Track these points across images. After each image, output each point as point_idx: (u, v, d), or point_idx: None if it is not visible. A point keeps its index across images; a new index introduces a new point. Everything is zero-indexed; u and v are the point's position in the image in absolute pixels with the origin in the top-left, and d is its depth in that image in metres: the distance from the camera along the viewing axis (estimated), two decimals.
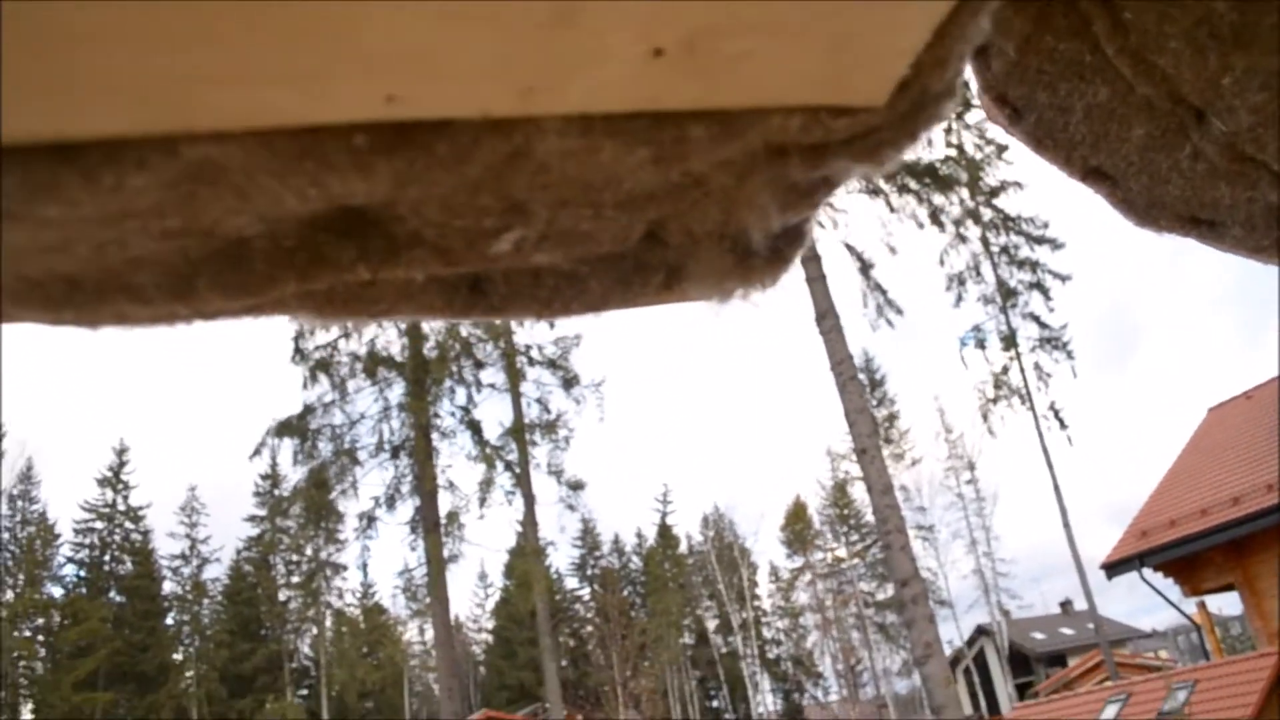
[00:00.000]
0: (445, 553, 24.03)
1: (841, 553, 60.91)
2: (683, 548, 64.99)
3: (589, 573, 65.09)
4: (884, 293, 23.42)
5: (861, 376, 50.05)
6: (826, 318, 19.29)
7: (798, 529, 62.38)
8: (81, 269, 0.55)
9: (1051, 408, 33.91)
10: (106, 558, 53.10)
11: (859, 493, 58.11)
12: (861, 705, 55.72)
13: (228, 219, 0.53)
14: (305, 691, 54.98)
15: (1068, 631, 48.63)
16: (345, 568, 52.05)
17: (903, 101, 0.58)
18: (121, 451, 55.10)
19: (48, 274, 0.55)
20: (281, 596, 54.93)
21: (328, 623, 53.87)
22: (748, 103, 0.55)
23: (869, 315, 23.71)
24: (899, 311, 23.49)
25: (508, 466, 25.89)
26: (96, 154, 0.47)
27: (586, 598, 64.07)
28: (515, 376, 26.70)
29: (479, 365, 26.13)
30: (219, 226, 0.54)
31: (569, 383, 27.06)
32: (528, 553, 28.30)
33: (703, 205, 0.63)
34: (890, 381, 60.71)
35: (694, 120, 0.55)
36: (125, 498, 54.69)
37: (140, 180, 0.48)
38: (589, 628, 60.85)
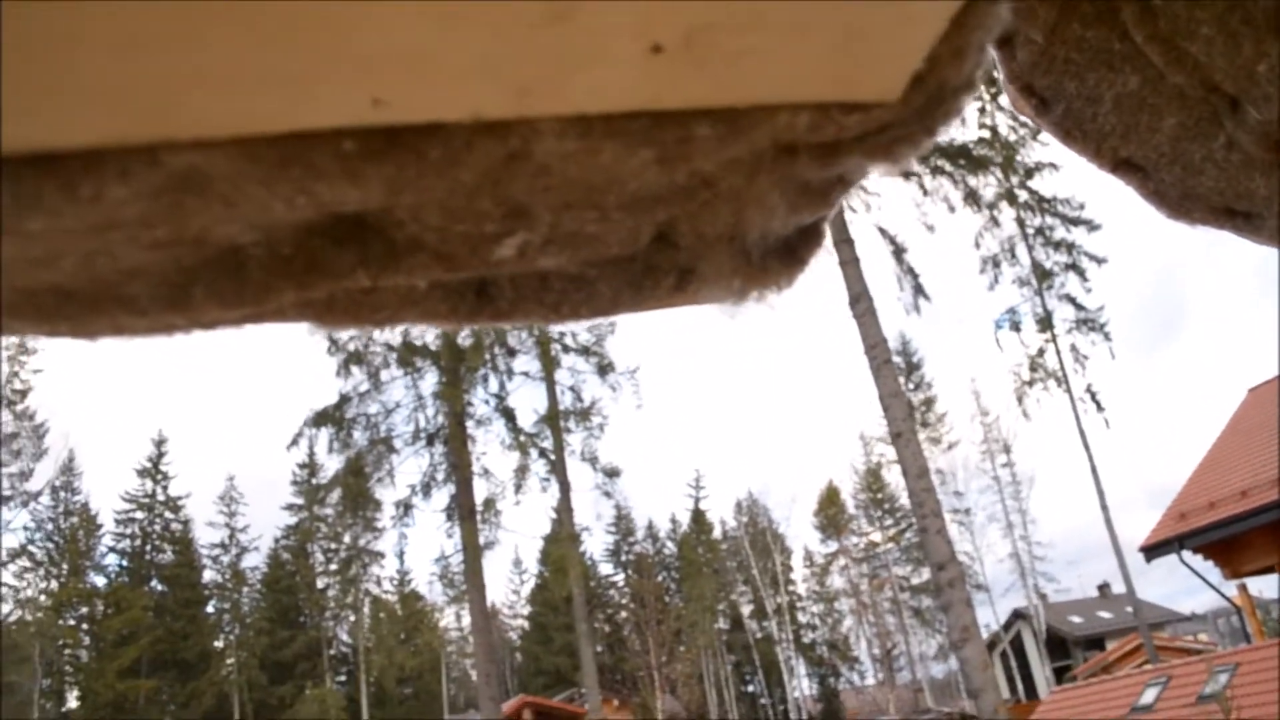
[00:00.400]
0: (481, 539, 24.18)
1: (876, 537, 60.76)
2: (716, 533, 65.06)
3: (623, 558, 65.28)
4: (915, 277, 23.28)
5: (898, 360, 49.82)
6: (860, 301, 19.19)
7: (831, 513, 62.24)
8: (72, 281, 0.54)
9: (1088, 390, 33.60)
10: (147, 547, 53.85)
11: (893, 476, 57.98)
12: (898, 690, 55.61)
13: (218, 228, 0.52)
14: (344, 678, 55.59)
15: (1106, 615, 48.25)
16: (382, 555, 52.40)
17: (918, 96, 0.56)
18: (160, 443, 55.85)
19: (39, 286, 0.54)
20: (320, 584, 55.52)
21: (365, 610, 54.38)
22: (753, 100, 0.53)
23: (904, 299, 23.58)
24: (927, 298, 23.34)
25: (542, 453, 26.00)
26: (76, 164, 0.46)
27: (621, 583, 64.29)
28: (550, 364, 26.77)
29: (511, 353, 26.23)
30: (210, 235, 0.53)
31: (604, 370, 27.11)
32: (563, 539, 28.43)
33: (713, 206, 0.61)
34: (927, 365, 60.20)
35: (698, 119, 0.53)
36: (165, 488, 55.43)
37: (122, 191, 0.47)
38: (624, 613, 61.08)
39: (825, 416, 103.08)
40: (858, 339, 19.22)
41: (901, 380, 24.92)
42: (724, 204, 0.61)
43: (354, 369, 24.91)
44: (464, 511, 24.12)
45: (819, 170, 0.61)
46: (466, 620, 59.54)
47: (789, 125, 0.55)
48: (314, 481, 50.48)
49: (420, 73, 0.46)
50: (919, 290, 23.33)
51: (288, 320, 0.62)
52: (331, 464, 27.01)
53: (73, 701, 46.42)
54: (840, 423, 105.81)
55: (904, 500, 54.43)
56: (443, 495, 25.18)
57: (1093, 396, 33.51)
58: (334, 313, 0.62)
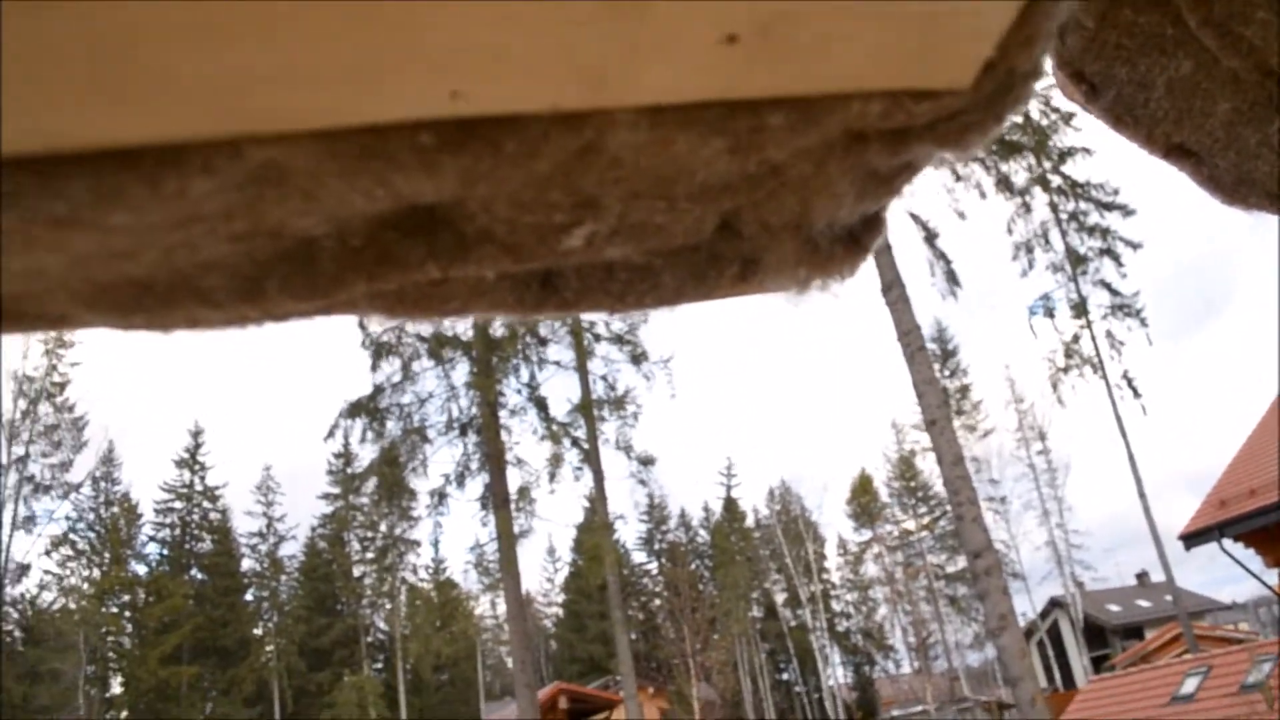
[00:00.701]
0: (516, 528, 24.27)
1: (910, 525, 60.49)
2: (749, 521, 65.02)
3: (656, 547, 65.38)
4: (948, 262, 23.10)
5: (932, 347, 49.48)
6: (892, 289, 19.06)
7: (864, 501, 62.02)
8: (150, 273, 0.54)
9: (1124, 376, 33.27)
10: (187, 536, 54.51)
11: (926, 464, 57.68)
12: (934, 678, 55.41)
13: (295, 220, 0.53)
14: (381, 665, 56.07)
15: (1144, 604, 47.81)
16: (418, 544, 52.82)
17: (988, 83, 0.56)
18: (197, 433, 56.43)
19: (118, 279, 0.55)
20: (356, 572, 55.98)
21: (402, 597, 54.82)
22: (826, 89, 0.53)
23: (937, 285, 23.41)
24: (959, 284, 23.16)
25: (574, 443, 26.06)
26: (160, 159, 0.47)
27: (654, 571, 64.39)
28: (583, 353, 26.81)
29: (543, 342, 26.28)
30: (286, 228, 0.53)
31: (637, 359, 27.11)
32: (598, 527, 28.49)
33: (779, 195, 0.61)
34: (963, 352, 59.62)
35: (771, 108, 0.53)
36: (202, 478, 56.05)
37: (205, 185, 0.47)
38: (658, 601, 61.19)
39: (856, 404, 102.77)
40: (890, 326, 19.11)
41: (936, 367, 24.78)
42: (790, 192, 0.61)
43: (387, 360, 25.07)
44: (498, 500, 24.22)
45: (888, 158, 0.61)
46: (501, 608, 60.03)
47: (861, 114, 0.55)
48: (349, 471, 50.89)
49: (498, 65, 0.46)
50: (951, 276, 23.16)
51: (358, 312, 0.63)
52: (366, 454, 27.22)
53: (116, 688, 47.08)
54: (872, 410, 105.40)
55: (938, 488, 54.17)
56: (477, 484, 25.32)
57: (1129, 383, 33.19)
58: (404, 304, 0.63)
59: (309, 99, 0.46)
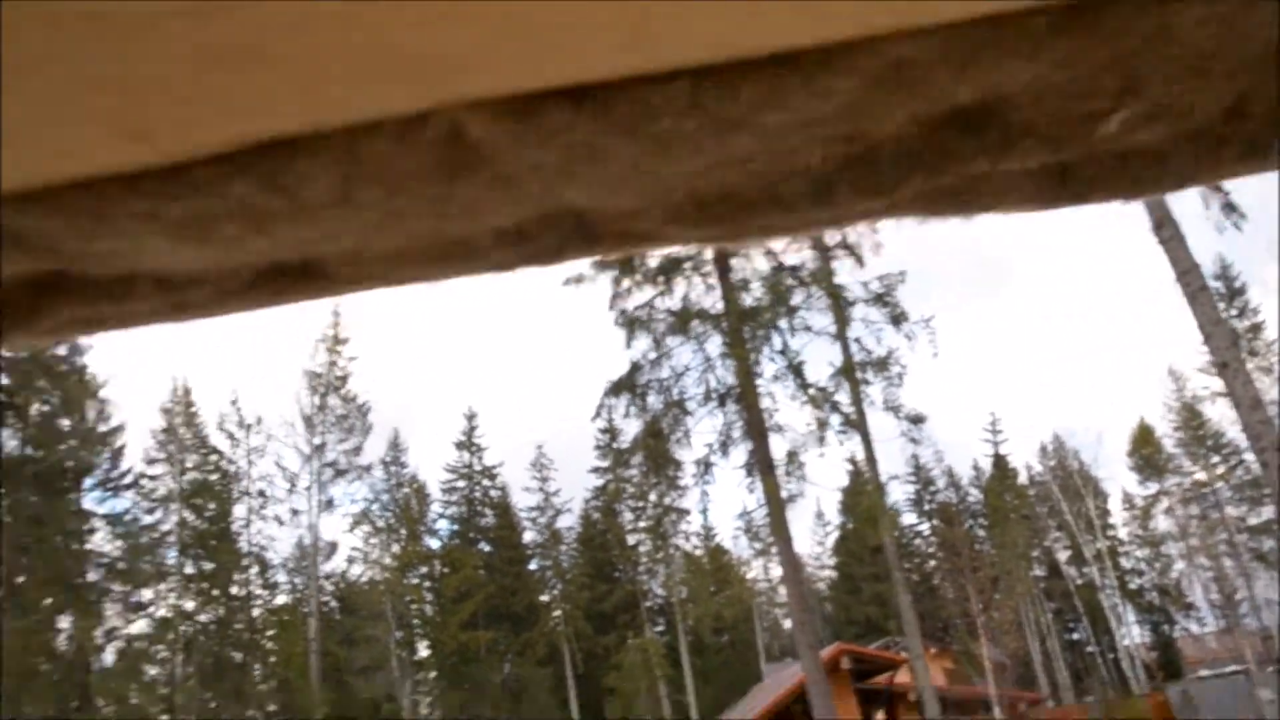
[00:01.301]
0: (784, 493, 24.51)
1: (1202, 476, 56.35)
2: (1022, 478, 62.55)
3: (925, 508, 64.07)
4: (1225, 192, 21.36)
5: (1217, 285, 45.78)
6: (1164, 226, 17.92)
7: (1147, 453, 58.30)
8: (741, 182, 0.56)
9: None
10: (472, 512, 58.21)
11: (1214, 411, 53.49)
12: (1249, 637, 51.59)
13: (878, 123, 0.53)
14: (661, 627, 57.98)
15: None
16: (688, 511, 54.13)
17: None
18: (471, 417, 60.03)
19: (715, 191, 0.56)
20: (630, 540, 58.05)
21: (678, 563, 56.45)
22: None
23: (1213, 217, 21.71)
24: (1240, 214, 21.32)
25: (834, 407, 25.98)
26: (814, 60, 0.47)
27: (926, 532, 63.18)
28: (841, 317, 26.63)
29: (791, 311, 26.26)
30: (864, 133, 0.54)
31: (897, 319, 26.64)
32: (869, 489, 28.34)
33: None
34: (1251, 290, 54.57)
35: None
36: (480, 459, 59.55)
37: (845, 83, 0.48)
38: (932, 562, 60.04)
39: (1121, 351, 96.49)
40: (1165, 266, 17.98)
41: (1221, 306, 23.07)
42: None
43: (641, 335, 25.78)
44: (763, 467, 24.55)
45: None
46: (774, 572, 60.69)
47: None
48: (615, 446, 52.75)
49: None
50: (1230, 207, 21.43)
51: (904, 214, 0.66)
52: (630, 428, 28.21)
53: (423, 650, 51.09)
54: (1138, 357, 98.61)
55: (1230, 435, 50.29)
56: (740, 452, 25.72)
57: None
58: (946, 201, 0.65)
59: None
